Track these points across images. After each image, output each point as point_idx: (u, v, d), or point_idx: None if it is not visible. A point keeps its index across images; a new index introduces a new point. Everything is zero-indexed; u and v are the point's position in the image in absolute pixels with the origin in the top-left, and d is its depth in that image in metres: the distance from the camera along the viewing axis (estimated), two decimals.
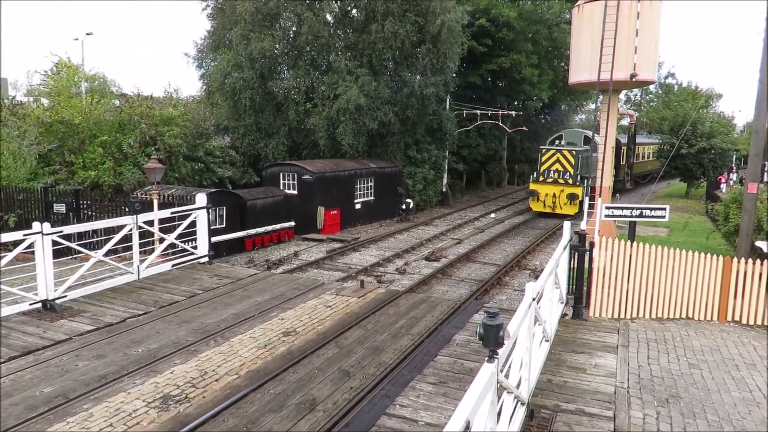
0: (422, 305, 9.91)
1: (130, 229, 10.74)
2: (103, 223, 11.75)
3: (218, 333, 8.34)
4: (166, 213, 12.05)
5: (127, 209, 14.51)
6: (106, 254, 10.38)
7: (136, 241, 10.82)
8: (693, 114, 33.46)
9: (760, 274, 9.62)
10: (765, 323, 9.66)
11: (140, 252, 11.14)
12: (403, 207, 26.02)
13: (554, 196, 27.25)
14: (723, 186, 30.13)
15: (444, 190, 31.55)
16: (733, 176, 33.30)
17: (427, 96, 25.58)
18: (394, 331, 8.54)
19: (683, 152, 33.76)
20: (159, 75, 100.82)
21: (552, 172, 27.57)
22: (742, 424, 6.40)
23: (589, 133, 29.63)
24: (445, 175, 31.59)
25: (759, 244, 10.45)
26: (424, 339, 8.26)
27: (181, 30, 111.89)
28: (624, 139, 38.44)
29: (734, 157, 39.12)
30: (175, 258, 12.08)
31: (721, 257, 9.92)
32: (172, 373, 6.93)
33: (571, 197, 26.83)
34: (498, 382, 4.08)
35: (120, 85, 32.63)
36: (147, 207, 14.28)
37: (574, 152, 27.32)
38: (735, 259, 9.89)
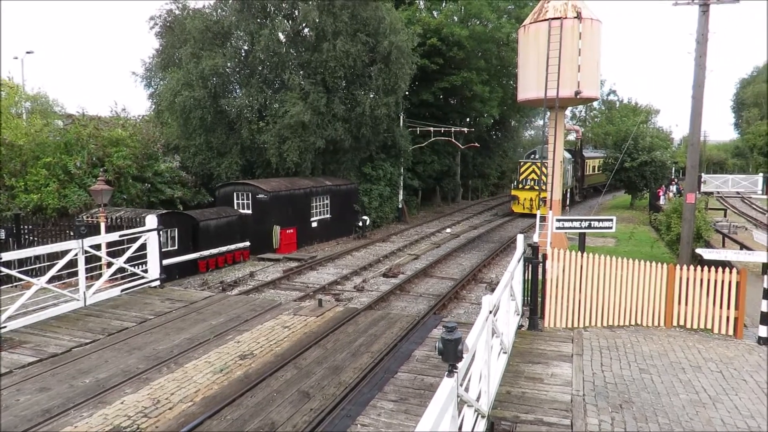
0: (381, 322, 9.89)
1: (76, 254, 10.30)
2: (46, 248, 11.19)
3: (171, 359, 8.05)
4: (115, 236, 11.63)
5: (72, 233, 13.95)
6: (50, 281, 9.91)
7: (82, 267, 10.38)
8: (634, 129, 35.13)
9: (701, 280, 10.09)
10: (707, 327, 10.11)
11: (87, 277, 10.69)
12: (360, 224, 26.04)
13: (531, 200, 33.09)
14: (662, 198, 31.59)
15: (400, 206, 31.79)
16: (673, 188, 34.98)
17: (379, 116, 25.84)
18: (353, 350, 8.48)
19: (627, 165, 35.29)
20: (105, 94, 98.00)
21: (528, 180, 33.86)
22: (691, 425, 6.66)
23: (566, 154, 35.95)
24: (401, 192, 31.85)
25: (699, 251, 10.97)
26: (383, 356, 8.23)
27: (127, 49, 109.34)
28: (589, 154, 42.16)
29: (673, 169, 41.17)
30: (125, 282, 11.65)
31: (665, 265, 10.36)
32: (122, 403, 6.64)
33: (544, 201, 30.10)
34: (458, 397, 4.10)
35: (63, 105, 31.43)
36: (94, 230, 13.76)
37: (546, 164, 29.75)
38: (678, 267, 10.35)
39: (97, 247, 11.35)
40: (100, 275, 11.46)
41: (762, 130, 64.92)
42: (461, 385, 4.29)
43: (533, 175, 33.76)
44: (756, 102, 78.81)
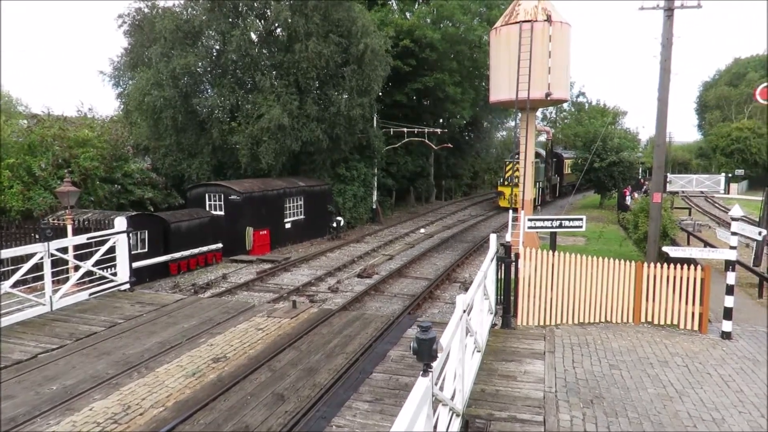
0: (356, 323, 9.88)
1: (41, 258, 10.03)
2: (10, 251, 10.85)
3: (142, 364, 7.91)
4: (82, 239, 11.37)
5: (37, 236, 13.56)
6: (14, 285, 9.63)
7: (48, 270, 10.12)
8: (603, 130, 35.89)
9: (668, 277, 10.37)
10: (673, 322, 10.40)
11: (54, 281, 10.42)
12: (334, 225, 25.96)
13: (515, 195, 34.91)
14: (628, 198, 32.31)
15: (374, 207, 31.80)
16: (644, 188, 35.74)
17: (354, 117, 25.84)
18: (328, 351, 8.46)
19: (596, 166, 36.02)
20: (71, 94, 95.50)
21: (513, 177, 35.86)
22: (659, 418, 6.84)
23: (541, 150, 40.46)
24: (375, 192, 31.86)
25: (665, 249, 11.27)
26: (358, 357, 8.23)
27: (95, 47, 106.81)
28: (566, 154, 44.75)
29: (640, 169, 42.21)
30: (93, 286, 11.39)
31: (633, 263, 10.61)
32: (91, 410, 6.49)
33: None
34: (433, 396, 4.13)
35: (28, 105, 30.49)
36: (60, 233, 13.40)
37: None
38: (645, 264, 10.61)
39: (64, 250, 11.07)
40: (67, 279, 11.17)
41: (724, 132, 67.11)
42: (436, 384, 4.33)
43: (518, 173, 37.29)
44: (718, 104, 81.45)
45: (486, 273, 8.28)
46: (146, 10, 27.08)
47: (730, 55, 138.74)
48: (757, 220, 19.07)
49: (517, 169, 36.18)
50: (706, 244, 18.89)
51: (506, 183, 37.96)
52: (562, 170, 45.97)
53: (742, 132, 64.83)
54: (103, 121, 25.77)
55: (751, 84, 66.83)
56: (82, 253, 11.59)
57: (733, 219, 10.31)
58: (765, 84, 15.64)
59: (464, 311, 5.84)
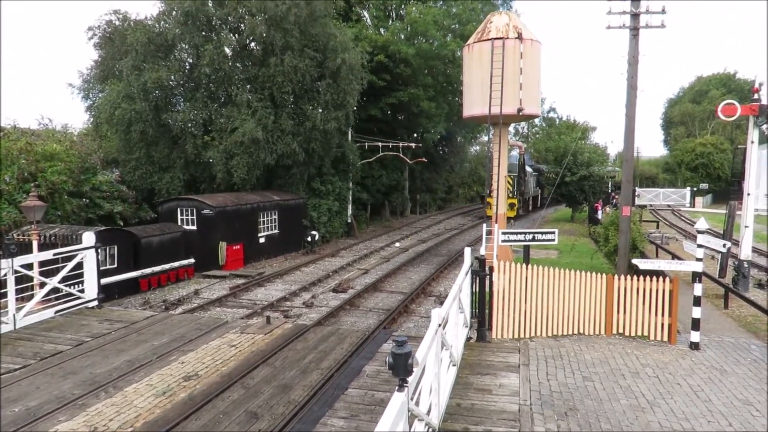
0: (331, 338, 9.80)
1: (5, 274, 9.71)
2: None
3: (110, 383, 7.68)
4: (48, 254, 11.04)
5: (0, 252, 13.13)
6: None
7: (11, 287, 9.79)
8: (573, 145, 36.67)
9: (638, 289, 10.58)
10: (644, 334, 10.59)
11: (18, 299, 10.08)
12: (309, 239, 25.80)
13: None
14: (599, 213, 32.96)
15: (349, 221, 31.75)
16: (614, 201, 36.55)
17: (329, 130, 25.88)
18: (303, 367, 8.35)
19: (567, 180, 36.71)
20: (38, 106, 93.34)
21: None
22: (632, 429, 6.93)
23: (526, 166, 44.82)
24: (350, 206, 31.83)
25: (635, 261, 11.50)
26: (333, 372, 8.15)
27: (63, 59, 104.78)
28: (546, 168, 46.83)
29: (610, 183, 43.22)
30: (59, 303, 11.06)
31: (604, 275, 10.80)
32: None
33: (511, 205, 39.36)
34: (409, 411, 4.11)
35: None
36: (26, 249, 13.01)
37: (512, 176, 38.87)
38: (616, 277, 10.80)
39: (29, 266, 10.74)
40: (32, 296, 10.83)
41: (688, 147, 69.28)
42: (412, 399, 4.31)
43: (508, 186, 41.17)
44: (682, 120, 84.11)
45: (461, 286, 8.32)
46: (117, 22, 26.80)
47: (693, 73, 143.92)
48: (722, 232, 19.65)
49: (507, 181, 39.32)
50: (674, 257, 19.37)
51: (493, 194, 39.98)
52: (543, 184, 48.39)
53: (705, 147, 67.07)
54: (72, 134, 25.25)
55: (713, 101, 69.32)
56: (49, 269, 11.26)
57: (699, 232, 10.59)
58: (726, 101, 16.21)
59: (439, 325, 5.85)
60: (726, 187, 59.68)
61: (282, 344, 9.35)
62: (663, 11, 14.34)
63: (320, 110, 25.79)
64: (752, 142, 15.98)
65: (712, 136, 71.24)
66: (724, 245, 13.54)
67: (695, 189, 55.72)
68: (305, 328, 10.42)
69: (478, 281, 10.46)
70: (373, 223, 38.16)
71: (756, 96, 15.96)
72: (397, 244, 29.08)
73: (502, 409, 7.14)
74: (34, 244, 12.77)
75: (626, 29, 14.67)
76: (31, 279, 11.00)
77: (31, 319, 10.28)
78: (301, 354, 8.92)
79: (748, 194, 16.17)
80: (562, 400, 7.74)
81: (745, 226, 16.17)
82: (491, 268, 10.68)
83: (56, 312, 10.87)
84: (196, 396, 7.26)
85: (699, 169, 66.74)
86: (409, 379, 3.98)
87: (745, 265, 16.32)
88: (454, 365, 7.88)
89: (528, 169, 47.34)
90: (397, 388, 3.91)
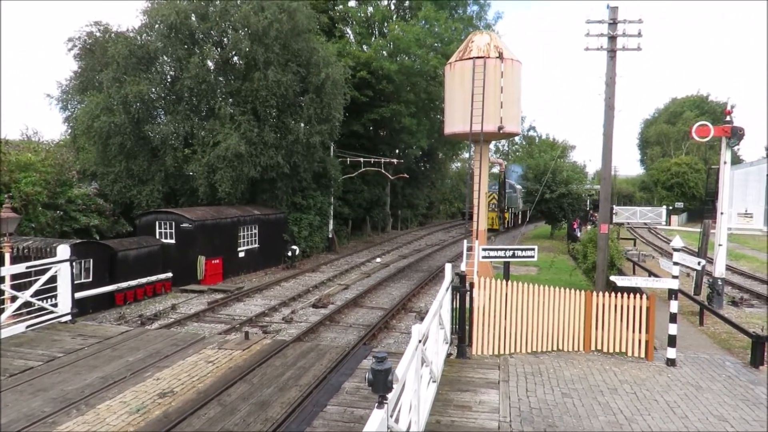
0: (310, 354, 9.70)
1: None
2: None
3: (81, 400, 7.48)
4: (21, 268, 10.78)
5: None
6: None
7: None
8: (552, 163, 37.20)
9: (616, 306, 10.70)
10: (622, 350, 10.68)
11: None
12: (289, 254, 25.63)
13: (492, 218, 42.48)
14: (577, 231, 33.32)
15: (330, 236, 31.64)
16: (592, 219, 37.00)
17: (313, 144, 25.89)
18: (281, 384, 8.24)
19: (547, 197, 37.15)
20: (15, 116, 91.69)
21: (491, 205, 43.13)
22: None
23: (514, 183, 50.85)
24: (331, 221, 31.75)
25: (613, 278, 11.64)
26: (312, 389, 8.05)
27: (41, 69, 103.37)
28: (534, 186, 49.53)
29: (588, 201, 43.90)
30: (31, 318, 10.77)
31: (583, 292, 10.90)
32: None
33: (501, 219, 45.75)
34: (388, 428, 4.07)
35: None
36: None
37: (496, 192, 44.96)
38: (594, 293, 10.92)
39: (1, 279, 10.45)
40: (2, 310, 10.53)
41: (664, 167, 70.82)
42: (391, 416, 4.27)
43: (494, 201, 45.47)
44: (658, 140, 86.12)
45: (441, 302, 8.32)
46: (98, 34, 26.58)
47: (668, 95, 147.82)
48: (697, 250, 20.04)
49: (493, 197, 43.23)
50: (651, 274, 19.65)
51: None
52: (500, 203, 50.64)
53: (680, 167, 68.63)
54: (49, 145, 24.84)
55: (687, 122, 71.13)
56: (21, 282, 10.98)
57: (675, 250, 10.78)
58: (700, 123, 16.66)
59: (420, 341, 5.83)
60: (700, 206, 61.05)
61: (260, 360, 9.22)
62: (639, 34, 14.72)
63: (302, 125, 25.82)
64: (725, 163, 16.41)
65: (686, 156, 72.98)
66: (699, 263, 13.79)
67: (671, 207, 56.87)
68: (284, 344, 10.30)
69: (458, 297, 10.47)
70: (354, 239, 38.08)
71: (728, 118, 16.44)
72: (378, 260, 29.03)
73: (481, 426, 7.12)
74: (7, 256, 12.45)
75: (604, 51, 15.02)
76: (2, 293, 10.71)
77: (1, 333, 9.98)
78: (280, 370, 8.81)
79: (722, 213, 16.55)
80: (542, 417, 7.74)
81: (719, 245, 16.51)
82: (471, 285, 10.71)
83: (27, 327, 10.58)
84: (171, 413, 7.10)
85: (674, 188, 68.19)
86: (389, 395, 3.95)
87: (720, 283, 16.64)
88: (434, 381, 7.84)
89: (517, 186, 51.24)
90: (376, 404, 3.87)
